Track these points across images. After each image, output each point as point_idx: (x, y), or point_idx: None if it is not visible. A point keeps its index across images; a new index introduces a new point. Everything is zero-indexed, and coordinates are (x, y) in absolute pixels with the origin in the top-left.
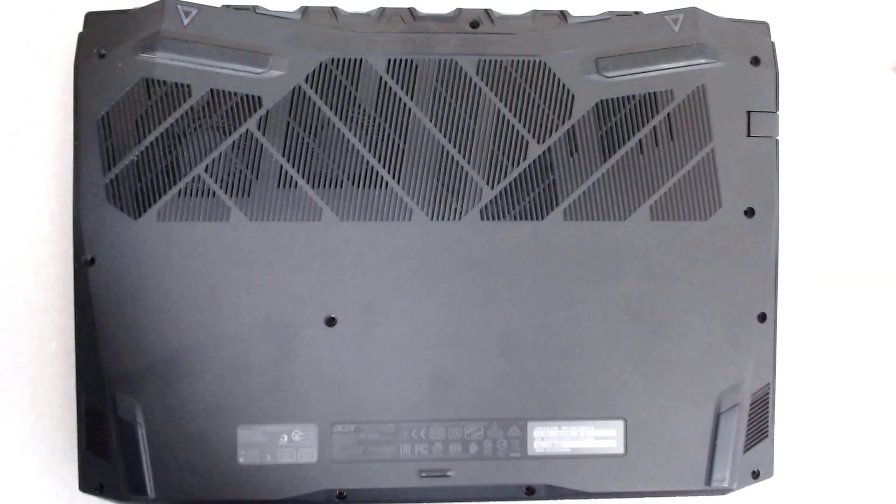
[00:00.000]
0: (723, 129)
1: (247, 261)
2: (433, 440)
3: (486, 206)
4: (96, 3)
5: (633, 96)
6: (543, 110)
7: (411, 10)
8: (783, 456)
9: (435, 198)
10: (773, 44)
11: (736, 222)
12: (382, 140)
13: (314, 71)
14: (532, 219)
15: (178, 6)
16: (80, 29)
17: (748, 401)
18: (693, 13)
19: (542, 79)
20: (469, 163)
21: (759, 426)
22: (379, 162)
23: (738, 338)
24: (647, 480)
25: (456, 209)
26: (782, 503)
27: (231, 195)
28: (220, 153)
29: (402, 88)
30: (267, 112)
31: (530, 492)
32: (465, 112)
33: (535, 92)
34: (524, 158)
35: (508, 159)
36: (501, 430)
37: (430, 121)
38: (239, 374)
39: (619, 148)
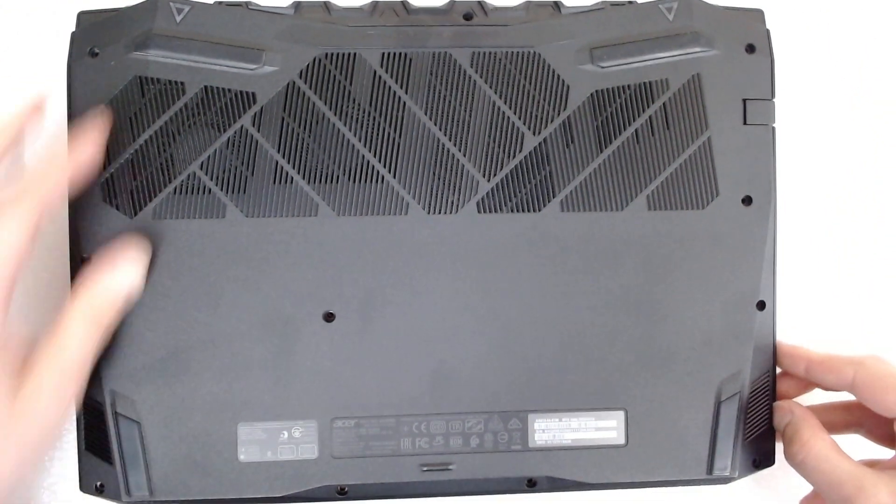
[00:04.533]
0: (719, 118)
1: (243, 257)
2: (434, 434)
3: (482, 199)
4: (96, 2)
5: (629, 86)
6: (539, 101)
7: (404, 4)
8: None
9: (431, 191)
10: (768, 31)
11: (734, 211)
12: (378, 134)
13: (308, 66)
14: (529, 211)
15: (171, 3)
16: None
17: (748, 389)
18: (687, 2)
19: (537, 70)
20: (465, 156)
21: (760, 415)
22: (374, 156)
23: (737, 326)
24: (648, 470)
25: (452, 202)
26: (785, 492)
27: (226, 192)
28: (215, 150)
29: (396, 82)
30: (261, 108)
31: (532, 484)
32: (461, 105)
33: (530, 83)
34: (520, 150)
35: (504, 151)
36: (502, 422)
37: (426, 114)
38: (238, 371)
39: (615, 138)
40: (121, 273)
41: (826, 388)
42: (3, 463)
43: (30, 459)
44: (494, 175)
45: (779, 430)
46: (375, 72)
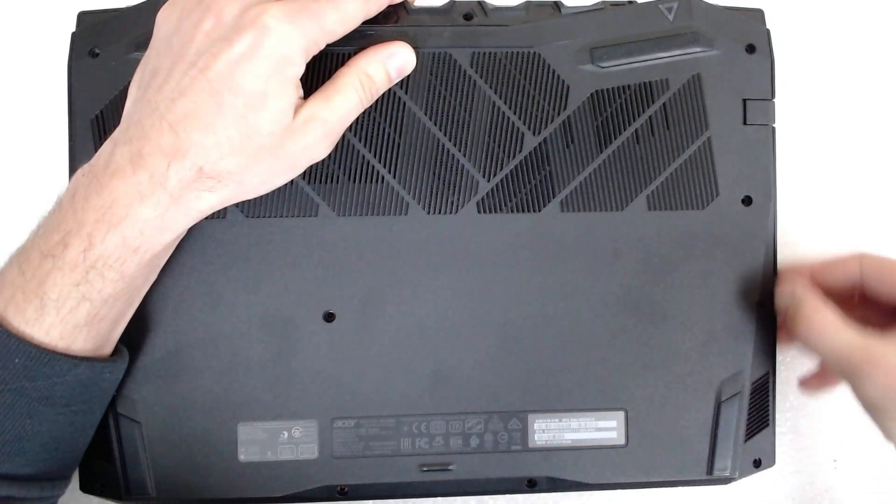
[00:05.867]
0: (719, 118)
1: (244, 258)
2: (434, 434)
3: (482, 199)
4: (96, 2)
5: (629, 86)
6: (538, 102)
7: (404, 4)
8: (785, 444)
9: (431, 191)
10: (768, 31)
11: (733, 211)
12: (378, 134)
13: (308, 66)
14: (529, 211)
15: None
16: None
17: (749, 389)
18: (687, 2)
19: (537, 70)
20: (465, 156)
21: (760, 415)
22: (374, 156)
23: (737, 326)
24: (648, 471)
25: (452, 202)
26: (784, 492)
27: None
28: None
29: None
30: None
31: (532, 484)
32: (460, 105)
33: (530, 83)
34: (520, 150)
35: (504, 151)
36: (502, 422)
37: (425, 114)
38: (238, 371)
39: (615, 138)
40: (394, 48)
41: (833, 288)
42: (275, 164)
43: (279, 175)
44: (494, 175)
45: (780, 312)
46: None
